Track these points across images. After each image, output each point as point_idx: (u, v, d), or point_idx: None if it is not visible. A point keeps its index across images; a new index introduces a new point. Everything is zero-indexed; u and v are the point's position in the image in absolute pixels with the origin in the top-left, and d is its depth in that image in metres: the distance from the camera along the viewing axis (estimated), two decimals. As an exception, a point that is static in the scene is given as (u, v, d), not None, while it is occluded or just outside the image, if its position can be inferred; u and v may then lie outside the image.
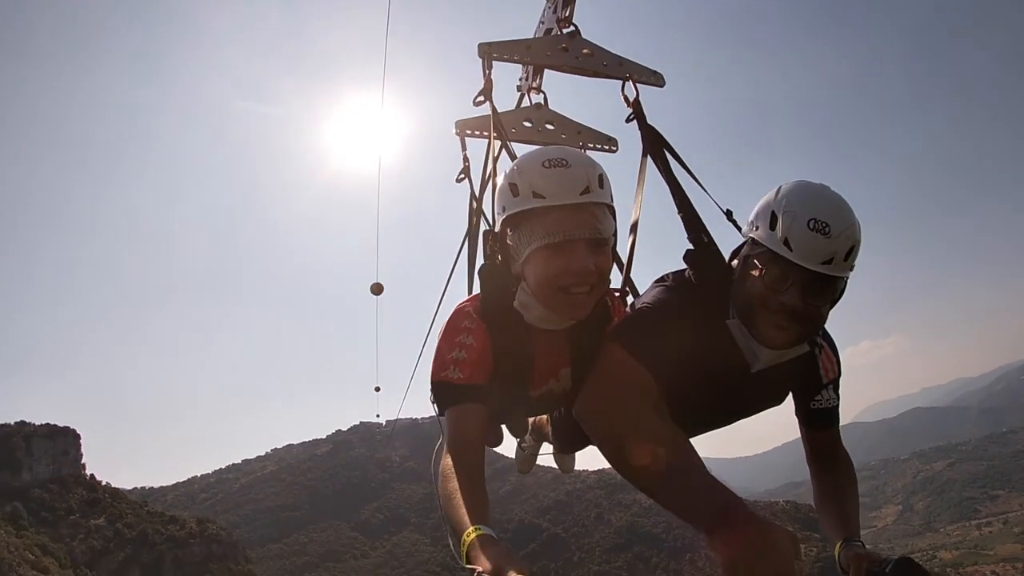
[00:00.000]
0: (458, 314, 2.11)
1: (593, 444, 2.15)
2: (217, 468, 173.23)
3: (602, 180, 1.97)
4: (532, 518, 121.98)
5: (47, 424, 76.80)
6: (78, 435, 78.68)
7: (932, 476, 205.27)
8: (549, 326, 2.09)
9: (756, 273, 2.00)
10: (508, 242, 2.03)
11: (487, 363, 2.04)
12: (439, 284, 3.63)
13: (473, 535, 1.54)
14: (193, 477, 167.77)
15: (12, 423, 75.47)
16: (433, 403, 2.07)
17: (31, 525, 63.68)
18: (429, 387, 2.07)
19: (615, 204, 2.07)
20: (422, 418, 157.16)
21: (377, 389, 32.72)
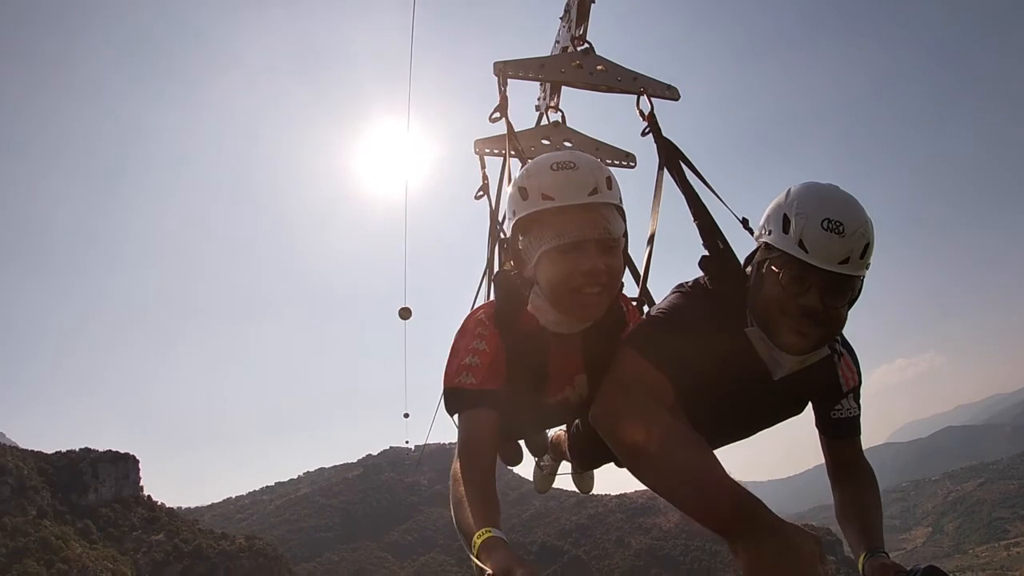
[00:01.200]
0: (471, 320, 2.15)
1: (611, 452, 2.22)
2: (251, 490, 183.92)
3: (610, 182, 2.00)
4: (554, 540, 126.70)
5: (110, 450, 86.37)
6: (137, 460, 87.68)
7: (963, 496, 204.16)
8: (563, 329, 2.11)
9: (773, 277, 1.99)
10: (519, 247, 2.06)
11: (500, 369, 2.06)
12: (467, 307, 3.43)
13: (483, 537, 1.55)
14: (228, 498, 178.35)
15: (78, 449, 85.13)
16: (446, 408, 2.10)
17: (100, 540, 72.52)
18: (443, 393, 2.09)
19: (632, 216, 2.12)
20: (449, 443, 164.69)
21: (406, 415, 34.19)
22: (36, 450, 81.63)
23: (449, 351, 2.11)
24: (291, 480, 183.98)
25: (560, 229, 1.92)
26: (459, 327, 2.15)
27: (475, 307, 2.29)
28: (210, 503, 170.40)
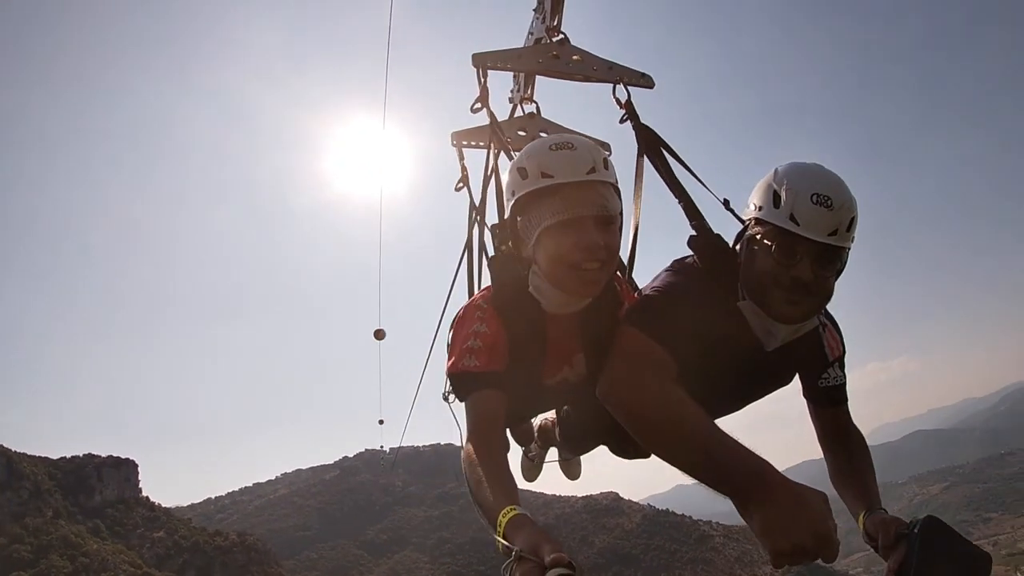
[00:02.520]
0: (469, 307, 2.22)
1: (601, 436, 2.56)
2: (231, 490, 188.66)
3: (607, 162, 2.07)
4: None
5: (111, 456, 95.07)
6: (136, 464, 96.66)
7: (928, 500, 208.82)
8: (562, 308, 2.17)
9: (765, 250, 2.09)
10: (518, 227, 2.10)
11: (502, 348, 2.10)
12: (438, 296, 3.81)
13: (508, 516, 1.55)
14: (208, 498, 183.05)
15: (81, 455, 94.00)
16: (447, 398, 2.26)
17: (108, 537, 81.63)
18: (446, 382, 2.20)
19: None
20: (422, 446, 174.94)
21: (381, 422, 34.43)
22: (43, 456, 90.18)
23: (450, 341, 2.24)
24: (269, 481, 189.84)
25: (559, 206, 1.98)
26: (456, 318, 2.25)
27: (471, 297, 2.43)
28: (190, 503, 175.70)
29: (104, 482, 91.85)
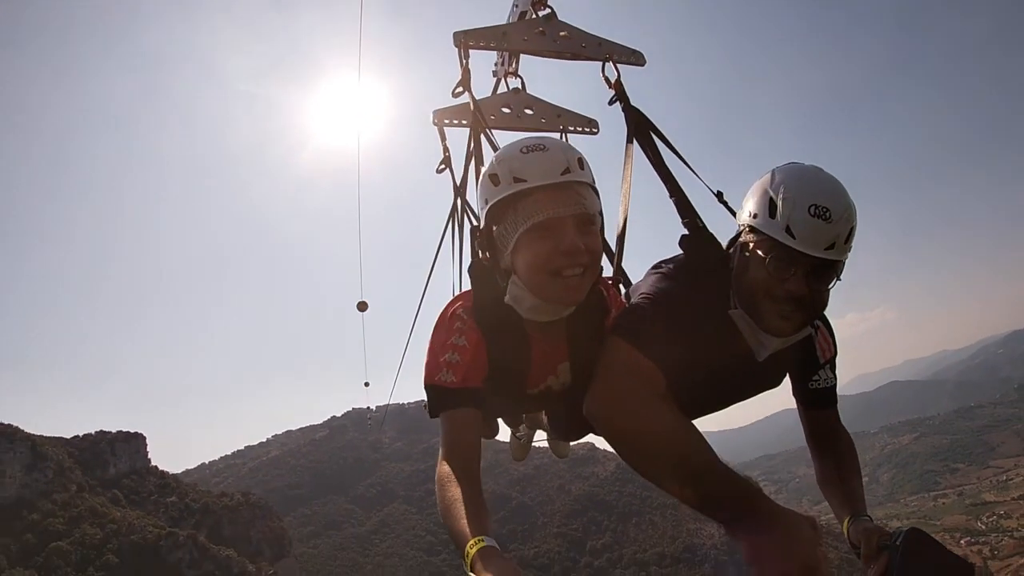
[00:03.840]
0: (448, 314, 2.13)
1: (590, 427, 2.33)
2: (224, 454, 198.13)
3: (582, 162, 1.99)
4: (503, 489, 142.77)
5: (121, 431, 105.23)
6: (144, 437, 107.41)
7: (898, 449, 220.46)
8: (545, 317, 2.10)
9: (758, 262, 2.05)
10: (494, 235, 2.03)
11: (481, 364, 2.06)
12: (423, 264, 3.80)
13: (476, 547, 1.56)
14: (203, 463, 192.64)
15: (94, 432, 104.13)
16: (426, 407, 2.09)
17: (127, 505, 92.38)
18: (423, 389, 2.06)
19: (602, 192, 2.09)
20: (407, 403, 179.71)
21: (366, 384, 34.44)
22: (58, 436, 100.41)
23: (428, 345, 2.11)
24: (261, 443, 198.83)
25: (534, 209, 1.92)
26: (436, 319, 2.16)
27: (452, 298, 2.28)
28: (184, 469, 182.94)
29: (117, 456, 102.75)
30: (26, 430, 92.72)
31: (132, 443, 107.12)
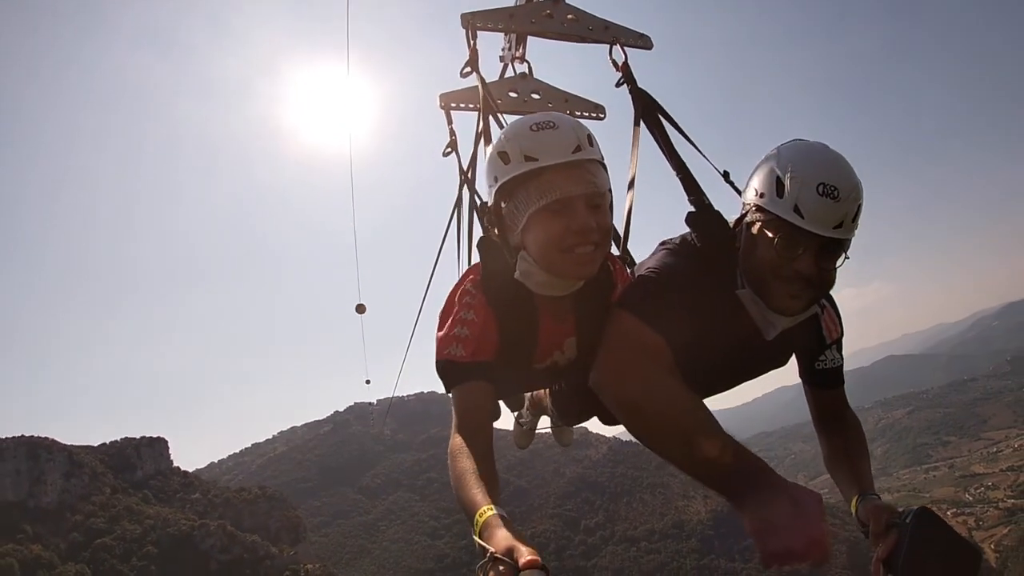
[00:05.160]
0: (459, 290, 2.17)
1: (594, 408, 2.53)
2: (232, 453, 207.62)
3: (591, 139, 2.04)
4: (501, 473, 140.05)
5: (145, 436, 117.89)
6: (166, 440, 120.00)
7: (892, 423, 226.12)
8: (554, 292, 2.14)
9: (766, 241, 2.06)
10: (503, 213, 2.08)
11: (491, 338, 2.10)
12: (423, 257, 4.05)
13: (485, 515, 1.59)
14: (212, 463, 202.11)
15: (119, 439, 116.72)
16: (441, 382, 2.12)
17: (156, 503, 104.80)
18: (435, 366, 2.11)
19: (608, 175, 2.09)
20: (407, 396, 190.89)
21: (368, 382, 35.23)
22: (87, 444, 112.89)
23: (438, 321, 2.17)
24: (267, 440, 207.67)
25: (546, 188, 1.95)
26: (446, 296, 2.21)
27: (461, 275, 2.32)
28: (195, 468, 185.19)
29: (143, 459, 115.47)
30: (62, 441, 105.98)
31: (156, 447, 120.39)
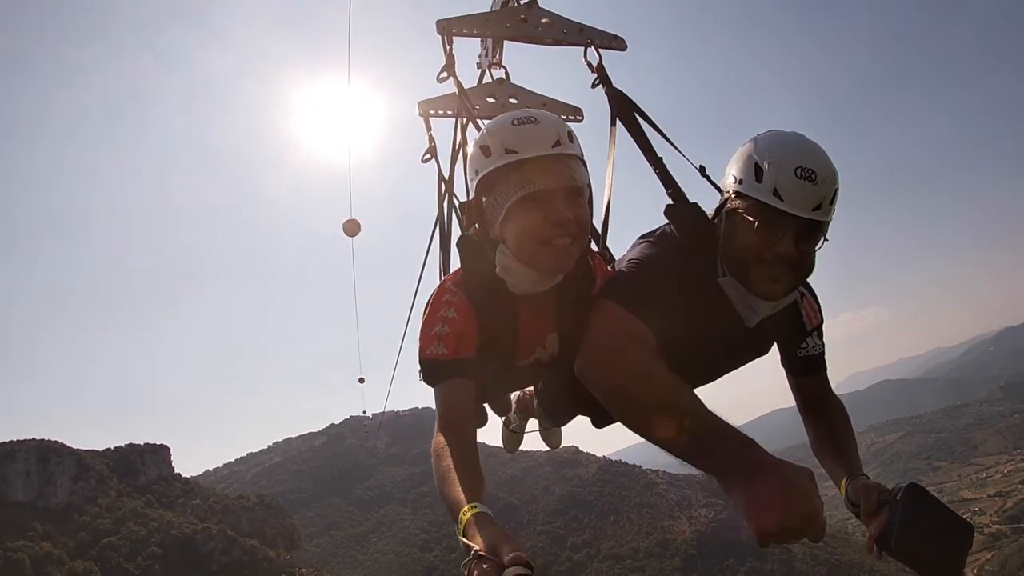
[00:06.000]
0: (440, 289, 2.22)
1: (580, 407, 2.61)
2: (227, 461, 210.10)
3: (571, 136, 2.11)
4: (491, 490, 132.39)
5: (148, 443, 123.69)
6: (169, 448, 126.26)
7: (884, 448, 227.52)
8: (534, 288, 2.19)
9: (746, 226, 2.12)
10: (483, 207, 2.14)
11: (472, 335, 2.14)
12: (418, 268, 3.84)
13: (469, 513, 1.60)
14: (207, 471, 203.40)
15: (124, 445, 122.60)
16: (424, 380, 2.17)
17: (159, 507, 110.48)
18: (418, 366, 2.16)
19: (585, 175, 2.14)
20: (401, 411, 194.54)
21: (361, 380, 34.58)
22: (91, 449, 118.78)
23: (421, 323, 2.21)
24: (262, 450, 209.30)
25: (526, 180, 2.01)
26: (429, 298, 2.25)
27: (443, 277, 2.38)
28: (191, 475, 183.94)
29: (146, 465, 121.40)
30: (71, 445, 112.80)
31: (159, 454, 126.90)
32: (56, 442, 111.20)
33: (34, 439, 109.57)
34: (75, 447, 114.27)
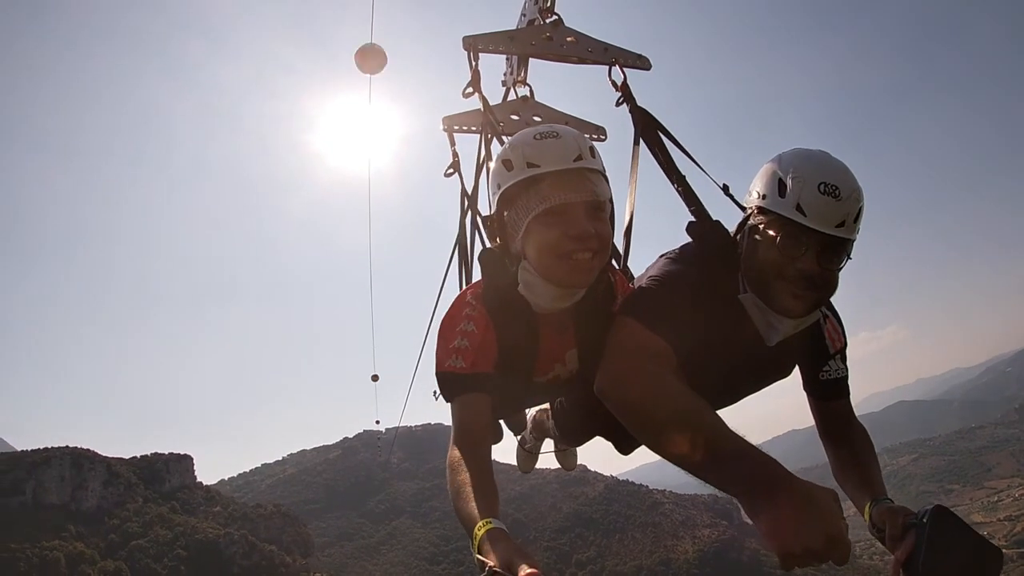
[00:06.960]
0: (459, 302, 2.23)
1: (597, 427, 2.56)
2: (241, 471, 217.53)
3: (593, 151, 2.11)
4: (500, 507, 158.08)
5: (172, 452, 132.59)
6: (192, 457, 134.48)
7: (896, 470, 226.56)
8: (555, 304, 2.18)
9: (769, 241, 2.10)
10: (505, 220, 2.13)
11: (490, 350, 2.12)
12: (435, 283, 3.87)
13: (484, 529, 1.59)
14: (222, 480, 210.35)
15: (149, 454, 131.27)
16: (437, 394, 2.17)
17: (182, 514, 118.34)
18: (435, 378, 2.14)
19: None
20: (415, 426, 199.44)
21: (375, 378, 34.08)
22: (118, 456, 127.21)
23: (438, 335, 2.20)
24: (277, 461, 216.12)
25: (547, 194, 2.00)
26: (447, 310, 2.24)
27: (462, 290, 2.41)
28: (208, 484, 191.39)
29: (171, 473, 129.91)
30: (101, 453, 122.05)
31: (183, 463, 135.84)
32: (88, 450, 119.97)
33: (68, 446, 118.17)
34: (105, 455, 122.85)
